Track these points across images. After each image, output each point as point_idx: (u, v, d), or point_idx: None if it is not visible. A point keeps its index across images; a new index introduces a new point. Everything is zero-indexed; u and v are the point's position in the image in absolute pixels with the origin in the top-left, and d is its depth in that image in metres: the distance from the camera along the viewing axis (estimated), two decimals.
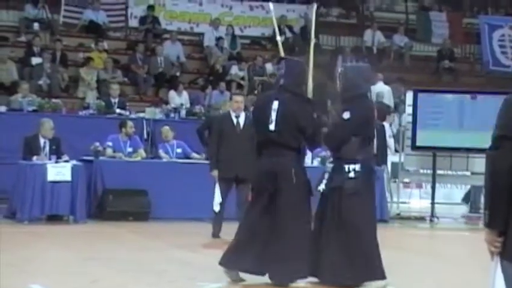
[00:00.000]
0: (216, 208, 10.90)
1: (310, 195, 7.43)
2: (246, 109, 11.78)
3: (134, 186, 13.05)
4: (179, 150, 13.73)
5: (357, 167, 7.32)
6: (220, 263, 7.49)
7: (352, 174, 7.32)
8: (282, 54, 8.24)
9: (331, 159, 7.87)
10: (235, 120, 11.04)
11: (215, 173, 10.90)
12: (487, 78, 22.09)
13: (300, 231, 7.27)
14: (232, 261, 7.45)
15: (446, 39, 22.50)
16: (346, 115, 7.44)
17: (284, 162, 7.28)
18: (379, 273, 7.38)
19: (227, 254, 7.50)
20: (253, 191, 7.58)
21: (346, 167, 7.35)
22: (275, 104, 7.35)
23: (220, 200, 10.85)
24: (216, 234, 11.04)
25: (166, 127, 14.12)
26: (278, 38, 8.72)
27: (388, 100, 18.96)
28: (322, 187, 7.51)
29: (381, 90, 19.08)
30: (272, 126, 7.32)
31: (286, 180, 7.23)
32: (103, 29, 19.94)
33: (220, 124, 11.23)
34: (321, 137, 7.64)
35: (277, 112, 7.32)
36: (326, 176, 7.56)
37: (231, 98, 12.28)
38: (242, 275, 7.51)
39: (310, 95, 7.58)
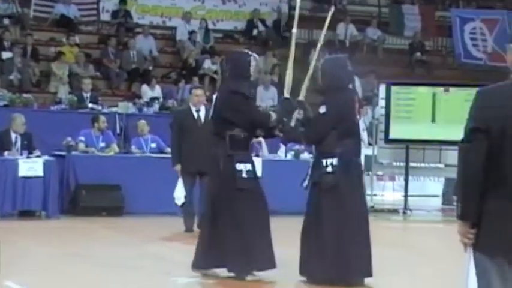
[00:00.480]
0: (179, 202, 10.93)
1: (239, 186, 7.30)
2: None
3: (107, 181, 12.98)
4: (153, 145, 13.67)
5: (334, 161, 7.19)
6: (192, 267, 7.48)
7: (329, 169, 7.21)
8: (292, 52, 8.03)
9: (314, 153, 7.80)
10: (195, 114, 11.07)
11: (178, 167, 10.95)
12: (459, 71, 22.19)
13: (228, 223, 7.27)
14: (202, 261, 7.43)
15: (417, 32, 22.59)
16: (322, 109, 7.37)
17: (215, 153, 7.42)
18: (366, 271, 7.31)
19: (196, 256, 7.50)
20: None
21: (324, 161, 7.25)
22: (214, 96, 7.69)
23: (184, 193, 10.86)
24: (189, 229, 11.01)
25: (143, 121, 14.04)
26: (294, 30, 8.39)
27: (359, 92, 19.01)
28: (305, 183, 7.45)
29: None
30: (209, 117, 7.79)
31: (215, 171, 7.42)
32: (74, 23, 19.78)
33: (181, 118, 11.25)
34: (274, 129, 7.57)
35: (214, 104, 7.58)
36: (309, 171, 7.49)
37: (190, 92, 12.26)
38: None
39: (289, 88, 7.55)
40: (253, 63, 7.55)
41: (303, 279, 7.40)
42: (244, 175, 7.28)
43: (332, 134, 7.28)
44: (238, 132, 7.35)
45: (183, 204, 10.96)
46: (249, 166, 7.37)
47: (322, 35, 8.38)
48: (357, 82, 19.24)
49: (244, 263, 7.27)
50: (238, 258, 7.24)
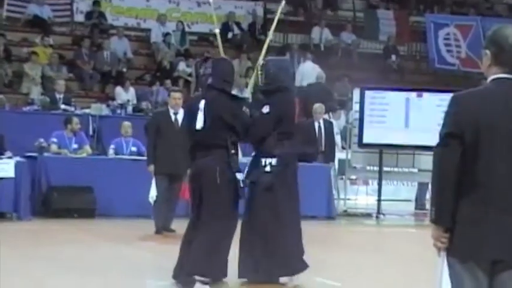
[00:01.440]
0: (151, 200, 10.99)
1: (237, 194, 7.21)
2: None
3: (79, 183, 12.90)
4: (134, 149, 13.58)
5: (274, 161, 7.25)
6: (173, 277, 7.35)
7: (268, 169, 7.27)
8: (221, 51, 8.23)
9: (253, 153, 7.76)
10: (173, 117, 11.12)
11: (151, 168, 11.01)
12: (432, 76, 22.34)
13: (220, 230, 7.09)
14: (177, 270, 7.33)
15: (391, 36, 22.70)
16: (266, 109, 7.39)
17: (209, 162, 7.13)
18: (298, 267, 7.34)
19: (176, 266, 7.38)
20: (190, 192, 7.53)
21: (263, 160, 7.30)
22: (202, 103, 7.23)
23: (155, 194, 10.90)
24: (159, 231, 11.02)
25: (127, 123, 13.89)
26: (217, 30, 8.62)
27: (316, 79, 19.29)
28: (241, 182, 7.37)
29: (310, 69, 19.41)
30: (198, 126, 7.21)
31: (210, 180, 7.08)
32: (48, 24, 19.66)
33: (158, 120, 11.30)
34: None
35: (204, 111, 7.21)
36: (245, 170, 7.50)
37: (169, 95, 12.25)
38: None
39: (250, 90, 7.55)
40: (234, 68, 7.59)
41: (244, 280, 7.39)
42: (241, 185, 7.26)
43: (273, 135, 7.32)
44: (234, 139, 7.31)
45: (155, 202, 11.01)
46: (242, 175, 7.32)
47: (272, 29, 8.50)
48: (315, 67, 19.64)
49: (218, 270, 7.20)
50: (214, 265, 7.16)
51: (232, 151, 7.20)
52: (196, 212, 7.20)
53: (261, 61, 7.88)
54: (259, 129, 7.41)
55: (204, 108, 7.20)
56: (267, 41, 8.07)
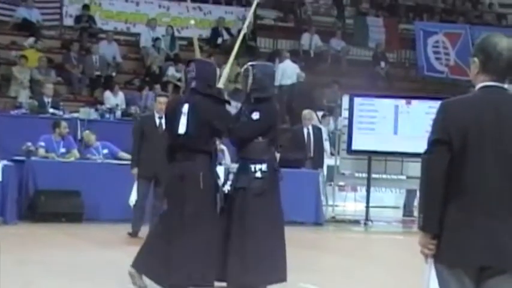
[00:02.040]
0: (131, 204, 11.07)
1: (222, 202, 7.14)
2: None
3: (67, 187, 12.85)
4: (105, 151, 13.61)
5: (264, 167, 7.24)
6: (132, 265, 7.27)
7: (258, 174, 7.24)
8: (198, 55, 8.20)
9: (236, 159, 7.74)
10: (158, 121, 11.20)
11: (135, 171, 11.14)
12: (421, 84, 22.41)
13: (203, 236, 7.01)
14: (141, 264, 7.25)
15: (380, 43, 22.76)
16: (256, 115, 7.37)
17: (192, 167, 7.03)
18: (282, 276, 7.34)
19: (137, 257, 7.29)
20: (166, 197, 7.43)
21: (253, 167, 7.25)
22: (185, 108, 7.11)
23: (135, 198, 11.01)
24: (135, 233, 11.08)
25: (87, 131, 14.03)
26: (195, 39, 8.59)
27: (297, 78, 19.50)
28: (227, 188, 7.36)
29: (290, 68, 19.63)
30: (181, 130, 7.09)
31: (193, 185, 6.99)
32: (37, 27, 19.61)
33: (144, 124, 11.41)
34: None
35: (187, 115, 7.10)
36: (231, 177, 7.46)
37: (155, 99, 12.28)
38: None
39: (221, 85, 7.46)
40: (217, 73, 7.49)
41: (223, 284, 7.36)
42: (225, 191, 7.23)
43: (262, 141, 7.31)
44: (217, 145, 7.29)
45: (135, 206, 11.09)
46: (222, 180, 7.32)
47: (248, 18, 8.57)
48: (294, 66, 19.79)
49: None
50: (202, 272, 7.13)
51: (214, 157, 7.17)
52: (178, 216, 7.05)
53: (236, 49, 7.87)
54: (245, 133, 7.39)
55: (188, 112, 7.09)
56: (241, 35, 8.13)
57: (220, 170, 12.34)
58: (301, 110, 17.69)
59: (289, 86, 19.66)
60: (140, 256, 7.27)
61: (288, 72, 19.88)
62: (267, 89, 7.50)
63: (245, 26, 8.57)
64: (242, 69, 7.64)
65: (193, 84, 7.23)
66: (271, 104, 7.52)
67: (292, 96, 19.38)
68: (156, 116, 11.23)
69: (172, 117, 7.26)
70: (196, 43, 8.48)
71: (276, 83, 18.41)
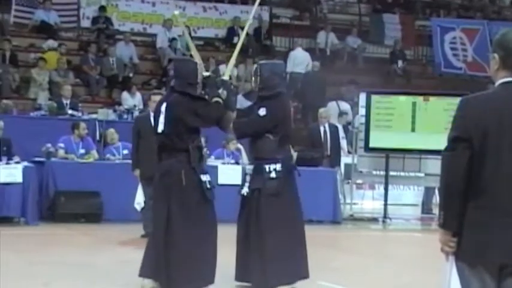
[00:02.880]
0: (138, 207, 10.96)
1: (205, 196, 7.05)
2: None
3: (86, 187, 12.93)
4: (126, 152, 13.62)
5: (278, 166, 7.19)
6: (140, 275, 7.20)
7: (273, 175, 7.19)
8: (193, 47, 8.16)
9: (250, 161, 7.64)
10: (153, 121, 10.99)
11: (136, 172, 10.98)
12: (439, 80, 22.32)
13: (195, 234, 6.94)
14: (148, 271, 7.14)
15: (398, 40, 22.69)
16: (262, 112, 7.33)
17: (174, 165, 7.01)
18: (304, 274, 7.32)
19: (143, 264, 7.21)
20: (154, 198, 7.38)
21: (267, 167, 7.20)
22: (163, 106, 7.14)
23: (143, 198, 10.82)
24: (148, 234, 11.02)
25: (112, 129, 14.03)
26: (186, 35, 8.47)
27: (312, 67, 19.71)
28: (245, 190, 7.33)
29: (302, 56, 19.93)
30: (160, 129, 7.11)
31: (176, 183, 6.95)
32: (55, 29, 19.71)
33: (140, 124, 11.20)
34: (226, 123, 7.30)
35: (164, 114, 7.10)
36: (248, 178, 7.38)
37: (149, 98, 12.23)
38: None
39: (226, 77, 7.42)
40: (199, 70, 7.37)
41: (245, 284, 7.35)
42: (208, 186, 7.15)
43: (273, 139, 7.26)
44: (198, 143, 7.16)
45: (142, 209, 10.94)
46: (208, 177, 7.16)
47: (253, 11, 8.60)
48: (305, 55, 19.85)
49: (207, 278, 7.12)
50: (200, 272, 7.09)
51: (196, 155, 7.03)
52: (166, 216, 6.96)
53: (242, 40, 7.85)
54: (252, 129, 7.35)
55: (165, 111, 7.10)
56: (246, 27, 8.17)
57: (237, 170, 12.41)
58: (314, 99, 17.81)
59: (301, 74, 19.75)
60: (145, 263, 7.20)
61: (298, 58, 19.99)
62: (275, 87, 7.41)
63: (251, 17, 8.54)
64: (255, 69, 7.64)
65: (172, 82, 7.26)
66: (279, 100, 7.42)
67: (305, 84, 19.50)
68: (151, 115, 11.11)
69: (155, 116, 7.33)
70: (187, 35, 8.37)
71: (288, 69, 18.60)
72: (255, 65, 7.65)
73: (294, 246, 7.28)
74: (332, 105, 18.84)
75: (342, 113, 18.42)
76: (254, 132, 7.35)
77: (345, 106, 19.12)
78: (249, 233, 7.27)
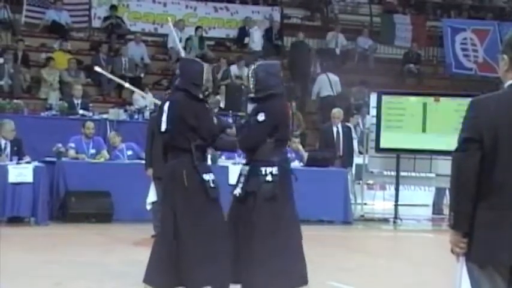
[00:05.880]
0: (148, 207, 10.99)
1: (210, 196, 6.97)
2: None
3: (97, 187, 12.94)
4: (130, 153, 13.63)
5: (274, 169, 7.01)
6: (144, 281, 7.06)
7: (269, 178, 7.02)
8: (182, 54, 8.09)
9: (246, 161, 7.57)
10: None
11: (149, 172, 11.00)
12: (449, 81, 22.29)
13: (201, 235, 6.87)
14: (151, 278, 7.02)
15: (413, 42, 22.67)
16: (261, 117, 7.20)
17: (176, 165, 6.97)
18: (301, 280, 7.25)
19: (147, 270, 7.08)
20: (162, 199, 7.34)
21: (263, 169, 7.03)
22: (166, 105, 7.08)
23: (154, 199, 10.82)
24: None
25: (113, 133, 14.05)
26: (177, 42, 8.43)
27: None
28: (238, 191, 7.14)
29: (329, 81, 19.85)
30: (162, 128, 7.06)
31: (179, 184, 6.90)
32: (66, 30, 19.77)
33: (152, 124, 11.19)
34: (220, 140, 7.25)
35: (167, 113, 7.04)
36: (242, 179, 7.21)
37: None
38: None
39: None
40: (205, 71, 7.32)
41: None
42: (212, 185, 7.12)
43: (269, 142, 7.12)
44: (200, 142, 7.09)
45: (152, 208, 10.98)
46: (212, 176, 7.09)
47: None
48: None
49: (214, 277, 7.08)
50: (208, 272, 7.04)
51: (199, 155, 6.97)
52: (172, 217, 6.90)
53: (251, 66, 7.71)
54: (254, 137, 7.21)
55: (168, 110, 7.05)
56: None
57: (235, 170, 12.38)
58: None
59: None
60: (149, 268, 7.08)
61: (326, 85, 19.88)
62: (271, 88, 7.19)
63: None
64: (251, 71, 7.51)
65: (176, 82, 7.23)
66: (276, 101, 7.21)
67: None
68: None
69: (159, 115, 7.26)
70: (172, 27, 8.21)
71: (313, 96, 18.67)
72: (252, 66, 7.52)
73: (290, 252, 7.13)
74: (322, 77, 18.95)
75: (352, 113, 18.41)
76: (257, 142, 7.23)
77: (335, 78, 19.37)
78: (238, 236, 7.09)
